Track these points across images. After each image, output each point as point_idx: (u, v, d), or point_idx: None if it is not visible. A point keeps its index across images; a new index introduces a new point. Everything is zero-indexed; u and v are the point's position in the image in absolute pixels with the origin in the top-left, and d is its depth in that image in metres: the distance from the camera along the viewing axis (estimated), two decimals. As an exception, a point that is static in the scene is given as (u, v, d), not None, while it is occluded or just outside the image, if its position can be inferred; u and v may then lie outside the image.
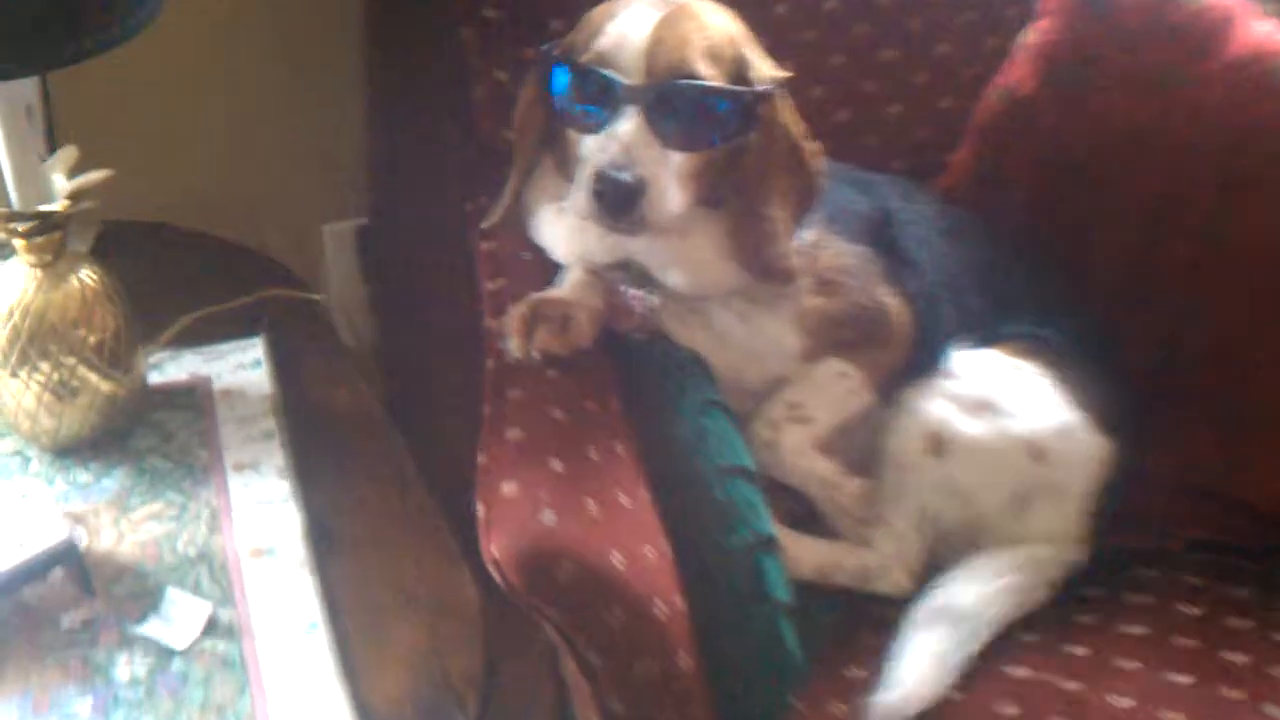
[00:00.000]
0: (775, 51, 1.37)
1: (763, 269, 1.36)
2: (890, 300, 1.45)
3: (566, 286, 1.44)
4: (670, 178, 1.27)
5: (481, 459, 1.21)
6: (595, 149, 1.27)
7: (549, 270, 1.45)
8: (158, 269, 1.64)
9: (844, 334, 1.43)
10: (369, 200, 1.98)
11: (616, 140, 1.25)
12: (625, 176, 1.23)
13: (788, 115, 1.35)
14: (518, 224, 1.46)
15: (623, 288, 1.41)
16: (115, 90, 1.66)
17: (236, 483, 1.36)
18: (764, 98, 1.31)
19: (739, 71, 1.31)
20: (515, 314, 1.39)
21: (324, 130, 1.91)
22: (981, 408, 1.38)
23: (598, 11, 1.32)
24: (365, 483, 1.36)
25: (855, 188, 1.52)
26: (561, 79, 1.31)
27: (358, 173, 1.94)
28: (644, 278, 1.40)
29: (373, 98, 1.88)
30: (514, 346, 1.37)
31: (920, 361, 1.44)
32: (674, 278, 1.41)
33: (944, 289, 1.47)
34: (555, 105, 1.32)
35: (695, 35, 1.27)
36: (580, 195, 1.28)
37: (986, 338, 1.45)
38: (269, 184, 1.91)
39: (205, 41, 1.77)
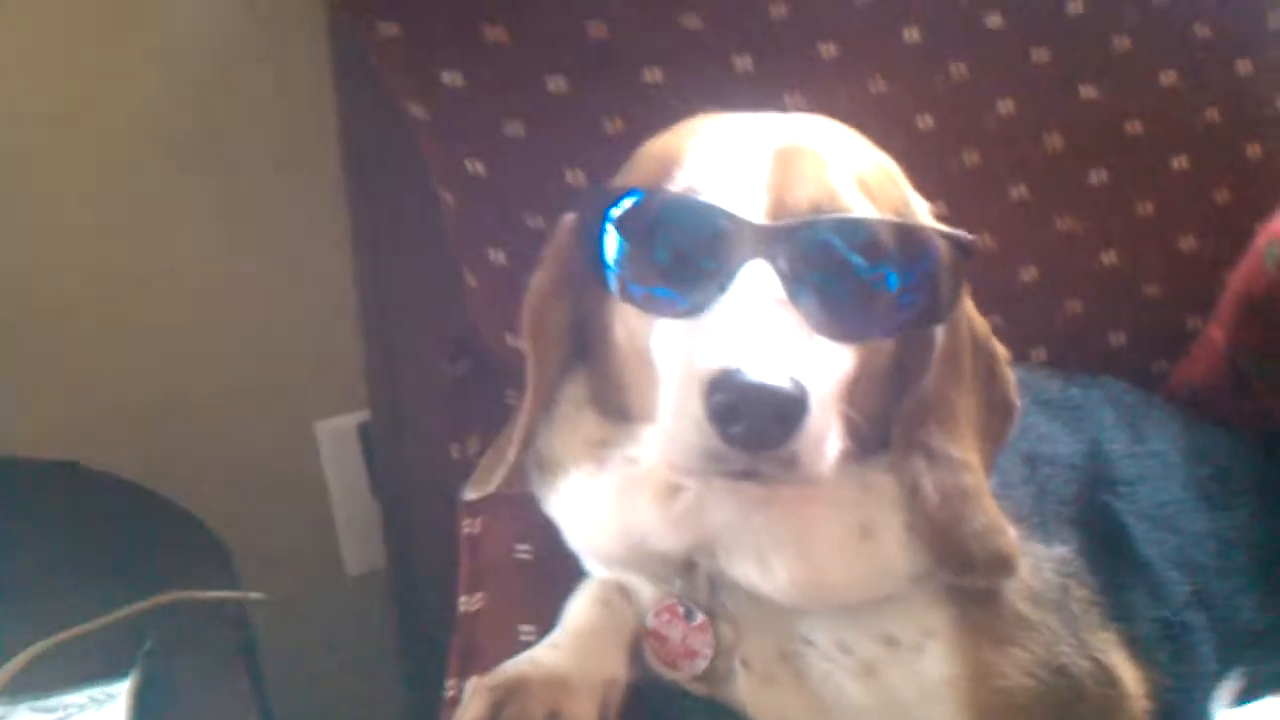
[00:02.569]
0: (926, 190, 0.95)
1: (959, 553, 0.86)
2: (1115, 655, 0.92)
3: (568, 634, 0.94)
4: (825, 387, 0.78)
5: None
6: (697, 341, 0.78)
7: (558, 582, 0.98)
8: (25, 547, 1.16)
9: (1035, 724, 0.92)
10: (368, 391, 1.57)
11: (743, 320, 0.77)
12: (778, 381, 0.72)
13: (969, 299, 0.92)
14: (525, 487, 0.99)
15: (679, 607, 0.93)
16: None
17: None
18: (966, 253, 0.84)
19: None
20: (464, 713, 0.85)
21: (312, 303, 1.50)
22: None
23: (661, 141, 0.90)
24: None
25: (1048, 411, 1.06)
26: (619, 239, 0.83)
27: (354, 355, 1.54)
28: (714, 588, 0.92)
29: (360, 270, 1.45)
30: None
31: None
32: (780, 574, 0.86)
33: (1200, 605, 0.98)
34: (605, 281, 0.84)
35: (839, 158, 0.85)
36: (680, 423, 0.76)
37: (1269, 673, 0.97)
38: (242, 374, 1.49)
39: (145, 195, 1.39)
